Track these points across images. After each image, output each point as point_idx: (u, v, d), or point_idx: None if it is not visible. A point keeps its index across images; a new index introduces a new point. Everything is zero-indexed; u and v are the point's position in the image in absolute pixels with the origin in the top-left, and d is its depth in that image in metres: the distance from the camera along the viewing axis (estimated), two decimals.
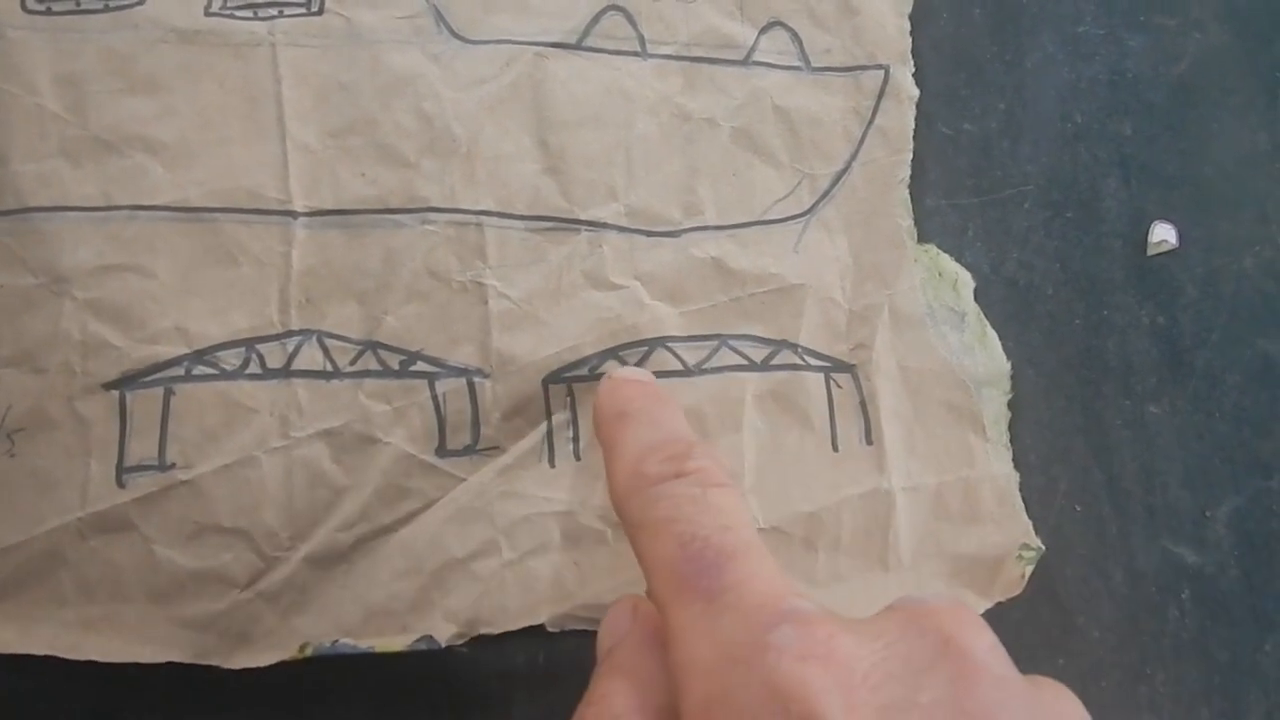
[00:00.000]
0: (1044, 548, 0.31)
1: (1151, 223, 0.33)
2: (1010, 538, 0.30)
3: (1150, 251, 0.33)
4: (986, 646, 0.19)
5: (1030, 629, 0.31)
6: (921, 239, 0.32)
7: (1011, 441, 0.31)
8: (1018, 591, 0.30)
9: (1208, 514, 0.32)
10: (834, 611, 0.19)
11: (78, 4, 0.28)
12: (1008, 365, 0.31)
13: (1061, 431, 0.32)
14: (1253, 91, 0.34)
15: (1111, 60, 0.34)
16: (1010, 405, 0.32)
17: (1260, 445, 0.33)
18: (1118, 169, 0.33)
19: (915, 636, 0.19)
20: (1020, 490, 0.31)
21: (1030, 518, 0.31)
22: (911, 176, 0.31)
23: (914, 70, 0.32)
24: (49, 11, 0.28)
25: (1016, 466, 0.31)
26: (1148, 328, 0.33)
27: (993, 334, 0.31)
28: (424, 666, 0.28)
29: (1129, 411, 0.32)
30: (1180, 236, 0.33)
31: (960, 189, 0.33)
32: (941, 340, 0.31)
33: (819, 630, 0.18)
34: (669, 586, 0.21)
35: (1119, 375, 0.33)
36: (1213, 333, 0.33)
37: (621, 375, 0.27)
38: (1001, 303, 0.32)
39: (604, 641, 0.23)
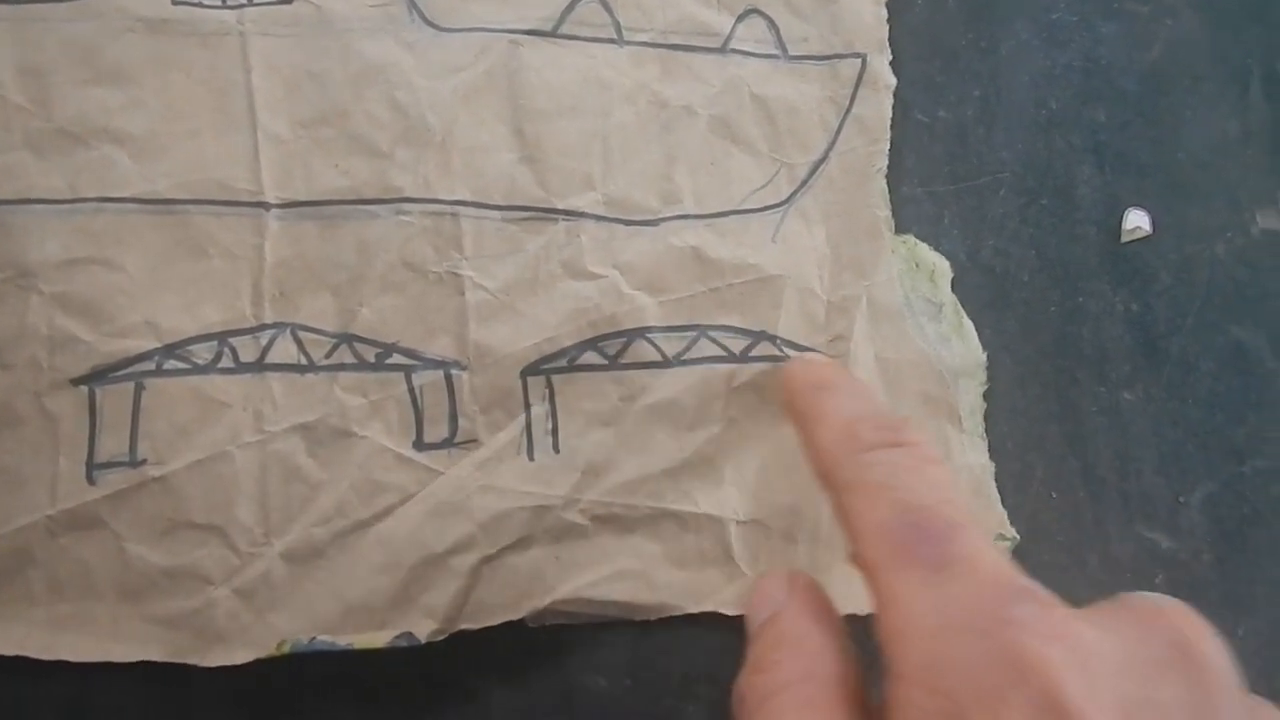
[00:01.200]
0: (1019, 537, 0.31)
1: (1125, 210, 0.33)
2: (986, 528, 0.30)
3: (1124, 238, 0.33)
4: (1221, 656, 0.19)
5: None
6: (898, 226, 0.32)
7: (987, 430, 0.32)
8: None
9: (1182, 500, 0.33)
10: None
11: None
12: (983, 356, 0.31)
13: (1037, 418, 0.32)
14: (1224, 79, 0.35)
15: (1085, 47, 0.34)
16: (986, 394, 0.32)
17: (1233, 431, 0.33)
18: (1092, 156, 0.34)
19: (1152, 635, 0.19)
20: (996, 478, 0.31)
21: (1006, 505, 0.31)
22: (888, 164, 0.31)
23: (891, 59, 0.31)
24: (11, 0, 0.27)
25: (992, 455, 0.31)
26: (1122, 314, 0.33)
27: (969, 324, 0.31)
28: (402, 658, 0.28)
29: (1104, 398, 0.33)
30: (1154, 223, 0.33)
31: (936, 176, 0.33)
32: (918, 331, 0.31)
33: (1059, 611, 0.19)
34: (885, 551, 0.21)
35: (1094, 362, 0.33)
36: (1186, 319, 0.33)
37: (813, 356, 0.29)
38: (978, 290, 0.32)
39: (758, 613, 0.23)
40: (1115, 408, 0.33)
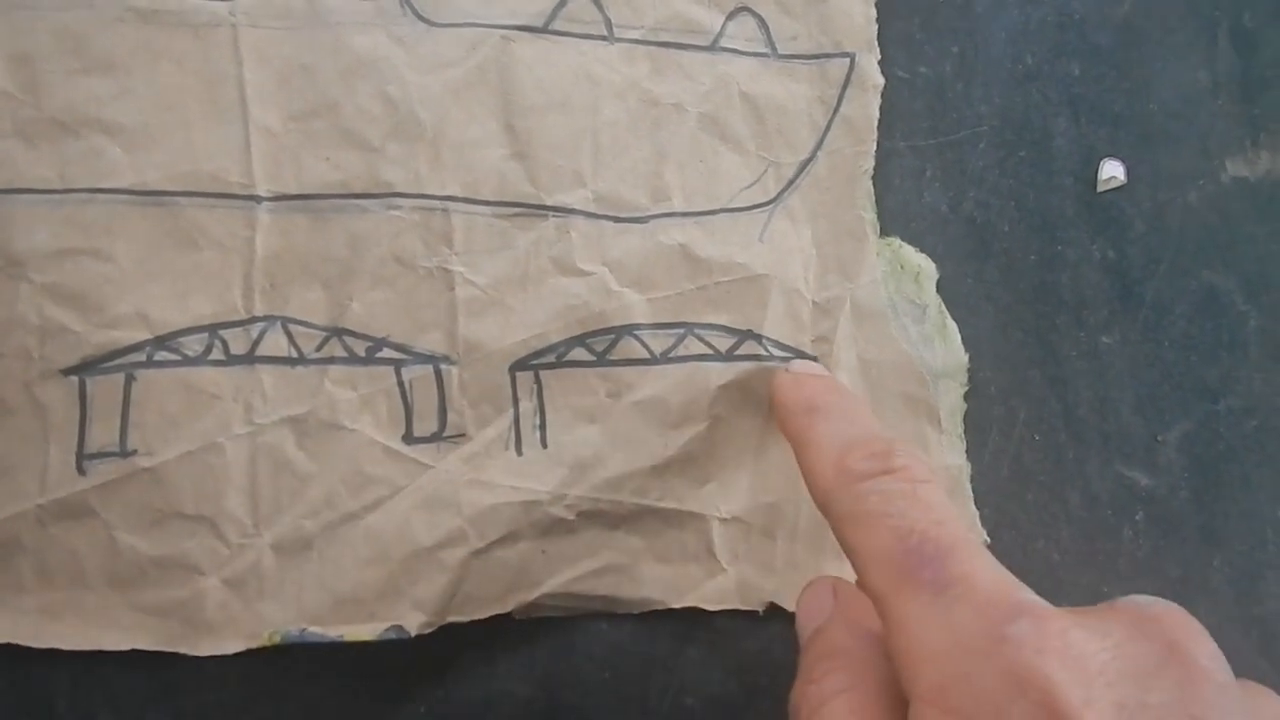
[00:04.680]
0: (989, 539, 0.32)
1: (1100, 160, 0.34)
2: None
3: (1100, 188, 0.34)
4: (1210, 654, 0.20)
5: (993, 554, 0.32)
6: (881, 181, 0.32)
7: (972, 374, 0.32)
8: None
9: (1159, 439, 0.34)
10: (1060, 608, 0.20)
11: None
12: (965, 357, 0.32)
13: (1019, 364, 0.33)
14: (1193, 31, 0.35)
15: (1058, 2, 0.35)
16: (970, 346, 0.32)
17: (1207, 371, 0.34)
18: (1067, 108, 0.34)
19: (1142, 639, 0.20)
20: (982, 421, 0.32)
21: (992, 447, 0.32)
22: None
23: (880, 58, 0.32)
24: None
25: (979, 401, 0.32)
26: (1099, 262, 0.34)
27: (953, 326, 0.32)
28: (387, 643, 0.28)
29: (1083, 343, 0.34)
30: (1128, 173, 0.34)
31: (917, 131, 0.33)
32: (902, 332, 0.31)
33: (1054, 624, 0.19)
34: (889, 579, 0.21)
35: (1072, 308, 0.34)
36: (1160, 265, 0.34)
37: (802, 369, 0.29)
38: (960, 241, 0.33)
39: (806, 622, 0.25)
40: (1094, 351, 0.34)
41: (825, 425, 0.26)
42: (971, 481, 0.32)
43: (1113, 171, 0.34)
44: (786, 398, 0.28)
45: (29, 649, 0.27)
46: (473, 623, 0.29)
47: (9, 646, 0.27)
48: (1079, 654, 0.19)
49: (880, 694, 0.22)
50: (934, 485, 0.23)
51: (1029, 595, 0.20)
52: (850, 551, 0.23)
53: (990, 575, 0.21)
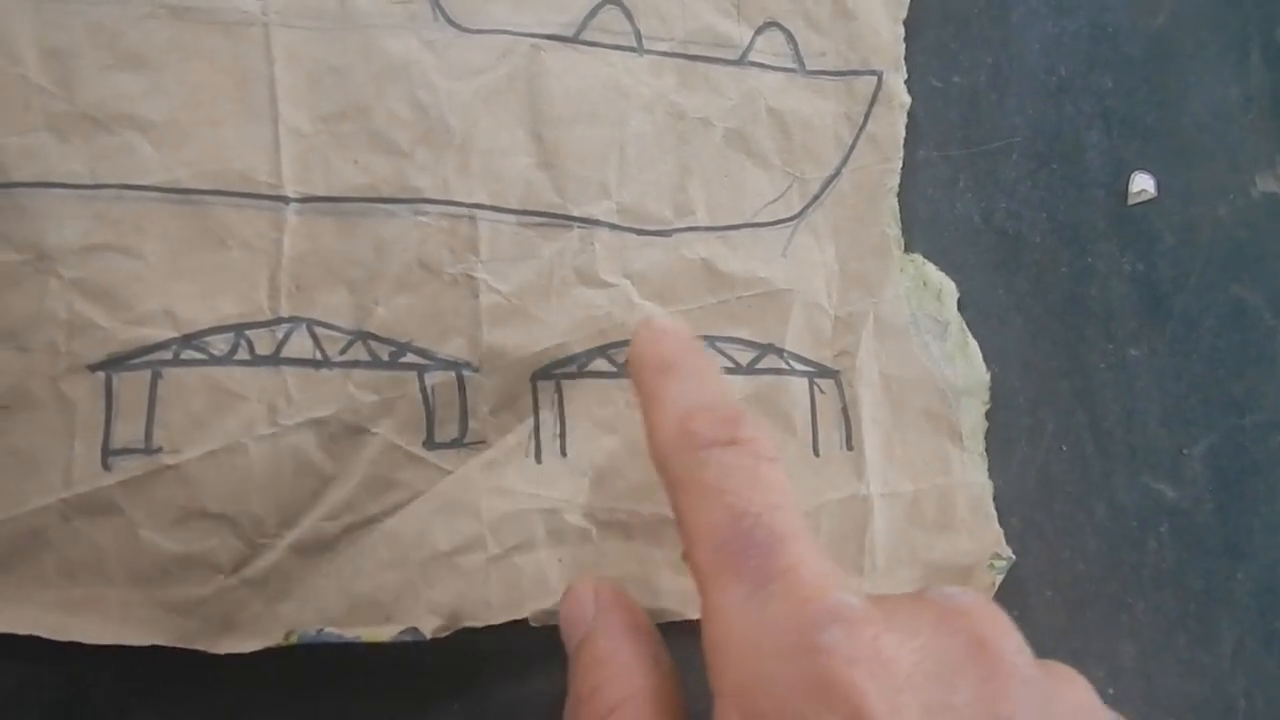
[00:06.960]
0: (1014, 557, 0.32)
1: (1131, 173, 0.34)
2: (982, 546, 0.31)
3: (1130, 201, 0.34)
4: (1015, 648, 0.20)
5: (1020, 564, 0.32)
6: (914, 190, 0.32)
7: (1000, 385, 0.33)
8: None
9: (1185, 451, 0.34)
10: (873, 601, 0.20)
11: None
12: (987, 375, 0.32)
13: (1047, 374, 0.34)
14: (1226, 45, 0.35)
15: (1092, 14, 0.35)
16: (999, 357, 0.33)
17: (1234, 385, 0.35)
18: (1099, 121, 0.34)
19: (947, 635, 0.20)
20: (1010, 432, 0.33)
21: (1019, 458, 0.33)
22: (906, 131, 0.32)
23: (906, 77, 0.32)
24: None
25: (1007, 411, 0.33)
26: (1128, 274, 0.34)
27: (974, 344, 0.32)
28: (406, 648, 0.29)
29: (1111, 355, 0.34)
30: (1159, 186, 0.34)
31: (951, 140, 0.34)
32: (924, 349, 0.32)
33: (865, 631, 0.19)
34: (714, 560, 0.21)
35: (1101, 320, 0.34)
36: (1190, 278, 0.35)
37: (662, 326, 0.26)
38: (991, 251, 0.33)
39: (571, 631, 0.23)
40: (1122, 363, 0.34)
41: (676, 384, 0.24)
42: (998, 491, 0.32)
43: (1143, 184, 0.34)
44: (641, 351, 0.25)
45: (66, 641, 0.27)
46: (499, 631, 0.29)
47: (46, 639, 0.27)
48: (888, 660, 0.19)
49: (654, 703, 0.21)
50: (779, 464, 0.22)
51: (847, 596, 0.20)
52: (680, 520, 0.22)
53: (813, 572, 0.20)
